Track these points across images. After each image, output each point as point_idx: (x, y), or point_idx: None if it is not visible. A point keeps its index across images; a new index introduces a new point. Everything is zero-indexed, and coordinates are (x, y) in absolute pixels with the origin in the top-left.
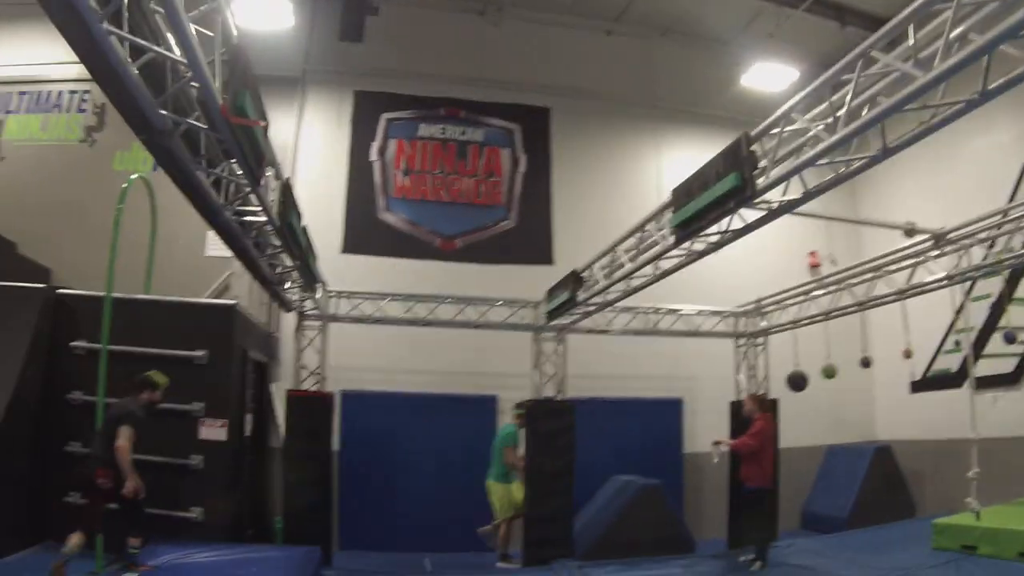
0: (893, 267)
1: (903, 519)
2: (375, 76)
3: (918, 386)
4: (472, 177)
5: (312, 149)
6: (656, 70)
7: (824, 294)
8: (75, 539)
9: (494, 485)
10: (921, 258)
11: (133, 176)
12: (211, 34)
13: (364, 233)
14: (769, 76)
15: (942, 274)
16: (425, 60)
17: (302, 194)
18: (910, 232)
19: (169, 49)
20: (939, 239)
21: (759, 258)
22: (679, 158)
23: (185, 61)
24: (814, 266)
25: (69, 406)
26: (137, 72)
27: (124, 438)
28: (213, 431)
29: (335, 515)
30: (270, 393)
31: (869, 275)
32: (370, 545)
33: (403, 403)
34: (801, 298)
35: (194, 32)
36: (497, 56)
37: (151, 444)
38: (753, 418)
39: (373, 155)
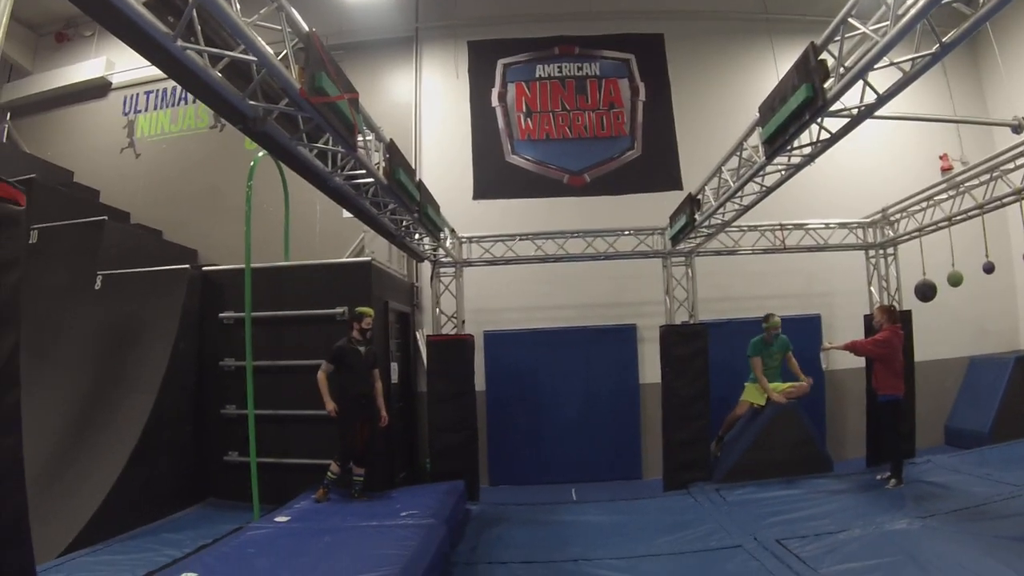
0: (1010, 166)
1: None
2: (486, 24)
3: None
4: (594, 111)
5: (434, 103)
6: None
7: (946, 199)
8: (333, 467)
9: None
10: None
11: (260, 154)
12: (279, 28)
13: (493, 178)
14: None
15: None
16: (532, 1)
17: (429, 148)
18: (1019, 128)
19: (244, 51)
20: None
21: (890, 166)
22: None
23: (256, 60)
24: (946, 170)
25: (223, 372)
26: (220, 74)
27: (320, 370)
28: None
29: (483, 452)
30: (416, 340)
31: (985, 176)
32: (519, 480)
33: (545, 339)
34: (924, 204)
35: (257, 36)
36: None
37: (303, 395)
38: (881, 330)
39: (494, 101)
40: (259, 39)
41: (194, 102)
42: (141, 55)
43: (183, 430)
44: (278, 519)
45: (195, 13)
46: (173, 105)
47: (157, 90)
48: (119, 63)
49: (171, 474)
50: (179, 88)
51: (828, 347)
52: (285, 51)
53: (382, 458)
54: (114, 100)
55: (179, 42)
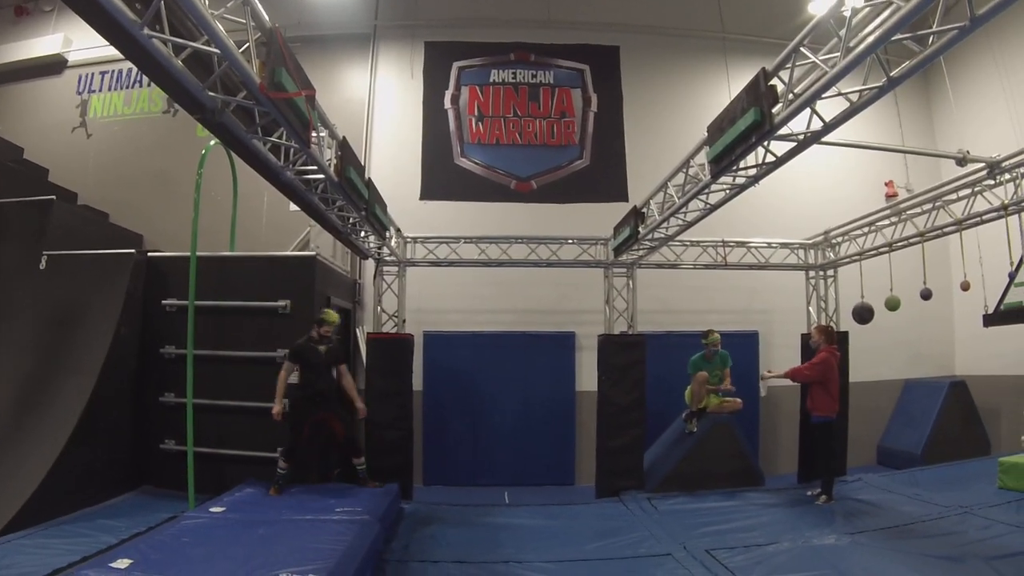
0: (952, 196)
1: (978, 456)
2: (444, 26)
3: (990, 320)
4: (545, 119)
5: (387, 102)
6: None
7: (888, 225)
8: (282, 462)
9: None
10: (977, 187)
11: (212, 142)
12: (243, 21)
13: (441, 179)
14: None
15: (997, 203)
16: (492, 6)
17: (380, 146)
18: (962, 161)
19: (208, 42)
20: (993, 168)
21: (836, 189)
22: None
23: (219, 52)
24: (891, 196)
25: (163, 359)
26: (182, 64)
27: (282, 368)
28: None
29: (418, 452)
30: (356, 337)
31: (928, 205)
32: (453, 481)
33: (484, 342)
34: (866, 229)
35: (222, 29)
36: None
37: (242, 386)
38: (818, 350)
39: (447, 103)
40: (223, 32)
41: (149, 85)
42: (107, 40)
43: (121, 416)
44: (213, 509)
45: (163, 2)
46: (128, 87)
47: (112, 71)
48: (76, 41)
49: (108, 460)
50: (134, 70)
51: (768, 375)
52: (247, 44)
53: (317, 454)
54: (69, 78)
55: (145, 30)
